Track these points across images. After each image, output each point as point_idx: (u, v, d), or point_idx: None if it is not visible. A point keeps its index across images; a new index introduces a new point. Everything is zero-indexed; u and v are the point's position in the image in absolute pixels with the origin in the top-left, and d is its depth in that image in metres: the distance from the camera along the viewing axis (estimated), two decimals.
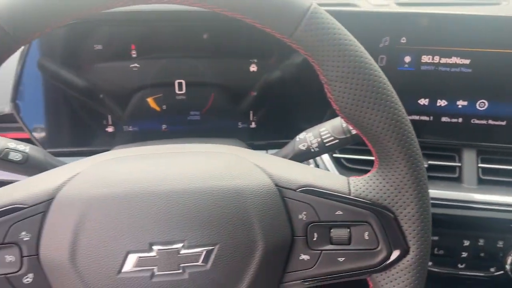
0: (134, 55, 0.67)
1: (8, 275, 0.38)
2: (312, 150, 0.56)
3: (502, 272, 0.74)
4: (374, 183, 0.42)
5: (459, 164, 0.74)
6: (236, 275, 0.39)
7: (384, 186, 0.42)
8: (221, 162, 0.43)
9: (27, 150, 0.55)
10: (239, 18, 0.38)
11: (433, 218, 0.74)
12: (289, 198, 0.42)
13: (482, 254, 0.73)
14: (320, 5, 0.38)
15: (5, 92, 0.66)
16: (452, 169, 0.74)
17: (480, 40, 0.67)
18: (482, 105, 0.71)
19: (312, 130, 0.57)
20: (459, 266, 0.75)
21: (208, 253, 0.39)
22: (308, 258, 0.42)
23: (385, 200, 0.41)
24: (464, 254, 0.74)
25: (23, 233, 0.38)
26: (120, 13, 0.63)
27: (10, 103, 0.66)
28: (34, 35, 0.36)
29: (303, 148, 0.56)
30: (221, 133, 0.73)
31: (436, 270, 0.75)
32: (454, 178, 0.74)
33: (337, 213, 0.42)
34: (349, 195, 0.42)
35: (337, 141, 0.55)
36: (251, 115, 0.73)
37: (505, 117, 0.71)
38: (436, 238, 0.73)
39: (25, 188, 0.40)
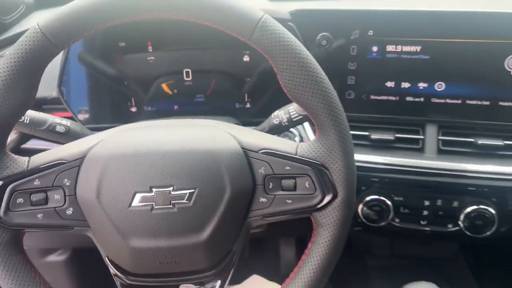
0: (150, 50, 0.85)
1: (56, 208, 0.56)
2: (283, 124, 0.71)
3: (457, 228, 0.86)
4: (314, 146, 0.57)
5: (422, 137, 0.87)
6: (211, 210, 0.55)
7: (321, 148, 0.56)
8: (204, 131, 0.59)
9: (68, 124, 0.73)
10: (208, 25, 0.53)
11: (399, 182, 0.88)
12: (252, 157, 0.57)
13: (440, 213, 0.87)
14: None
15: (52, 80, 0.85)
16: (416, 141, 0.87)
17: (433, 31, 0.80)
18: (440, 86, 0.84)
19: (283, 108, 0.72)
20: (422, 222, 0.88)
21: (191, 194, 0.54)
22: (265, 200, 0.57)
23: (321, 158, 0.56)
24: (426, 213, 0.87)
25: (65, 179, 0.55)
26: None
27: (57, 89, 0.85)
28: (70, 42, 0.52)
29: (276, 122, 0.72)
30: (222, 112, 0.89)
31: (403, 226, 0.89)
32: (417, 148, 0.87)
33: (286, 168, 0.56)
34: (295, 155, 0.57)
35: (301, 117, 0.70)
36: (246, 97, 0.89)
37: (460, 97, 0.84)
38: (401, 198, 0.87)
39: (67, 150, 0.58)
